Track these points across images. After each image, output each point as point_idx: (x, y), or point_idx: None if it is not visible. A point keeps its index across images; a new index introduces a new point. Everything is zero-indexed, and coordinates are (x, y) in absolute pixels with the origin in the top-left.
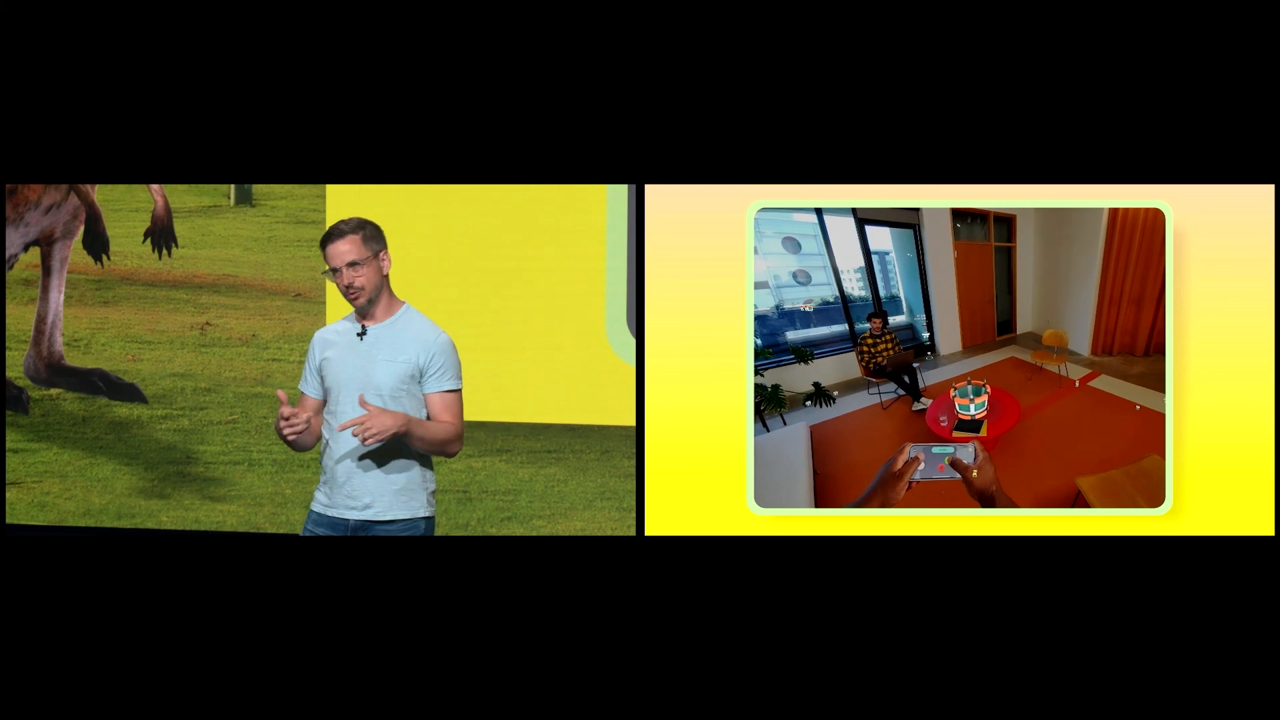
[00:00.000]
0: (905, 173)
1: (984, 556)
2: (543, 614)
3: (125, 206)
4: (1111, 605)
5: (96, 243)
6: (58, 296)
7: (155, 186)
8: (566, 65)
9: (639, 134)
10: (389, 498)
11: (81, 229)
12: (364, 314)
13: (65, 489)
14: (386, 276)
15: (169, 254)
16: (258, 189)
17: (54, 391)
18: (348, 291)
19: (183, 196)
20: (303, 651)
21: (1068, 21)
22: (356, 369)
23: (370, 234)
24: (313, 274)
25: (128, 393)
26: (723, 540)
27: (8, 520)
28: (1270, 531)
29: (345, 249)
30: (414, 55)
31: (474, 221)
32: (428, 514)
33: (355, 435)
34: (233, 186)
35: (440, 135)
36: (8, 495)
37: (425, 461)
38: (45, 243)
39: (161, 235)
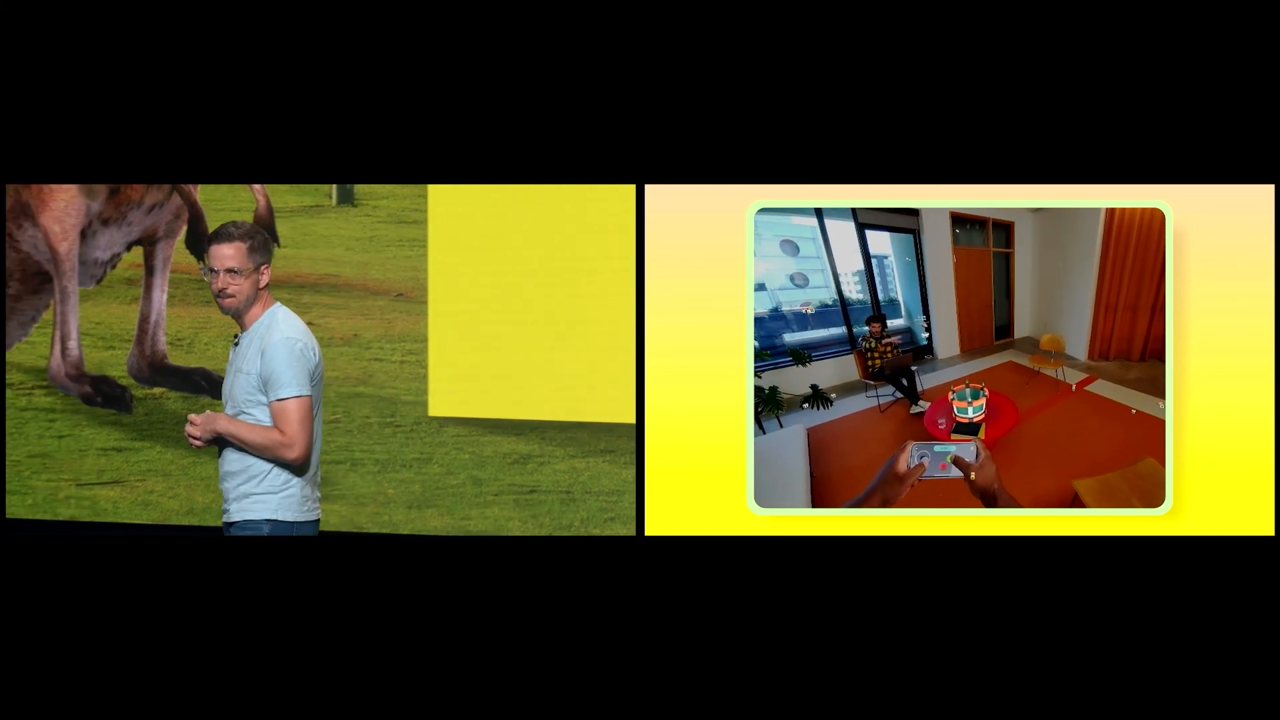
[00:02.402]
0: (905, 173)
1: (984, 556)
2: (543, 614)
3: (228, 206)
4: (1111, 605)
5: (199, 242)
6: (161, 296)
7: (257, 186)
8: (567, 66)
9: (639, 134)
10: (239, 502)
11: (184, 229)
12: (239, 321)
13: (169, 488)
14: (264, 289)
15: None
16: (360, 189)
17: (157, 390)
18: (218, 295)
19: (285, 196)
20: (302, 650)
21: (1067, 21)
22: (229, 379)
23: (257, 245)
24: (415, 274)
25: None
26: (723, 540)
27: (116, 520)
28: (1270, 531)
29: (229, 253)
30: (415, 55)
31: (569, 223)
32: (276, 517)
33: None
34: (335, 186)
35: (438, 136)
36: (112, 494)
37: (284, 467)
38: (148, 242)
39: None
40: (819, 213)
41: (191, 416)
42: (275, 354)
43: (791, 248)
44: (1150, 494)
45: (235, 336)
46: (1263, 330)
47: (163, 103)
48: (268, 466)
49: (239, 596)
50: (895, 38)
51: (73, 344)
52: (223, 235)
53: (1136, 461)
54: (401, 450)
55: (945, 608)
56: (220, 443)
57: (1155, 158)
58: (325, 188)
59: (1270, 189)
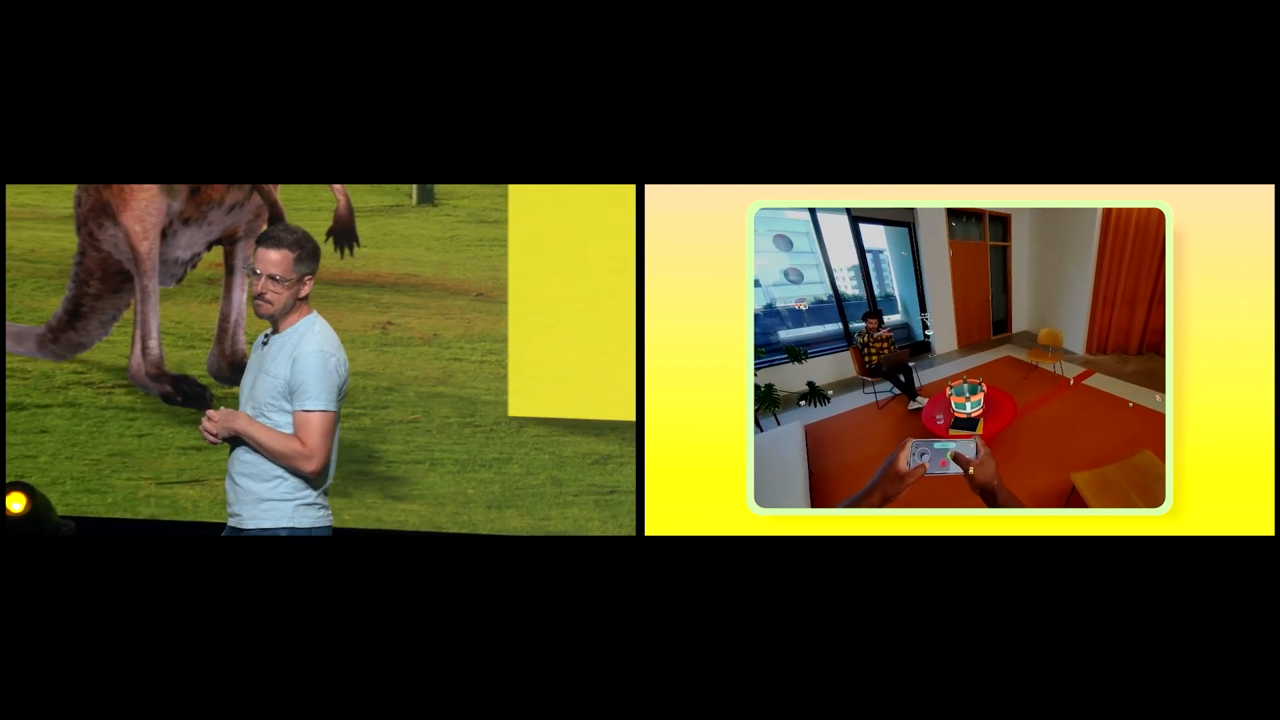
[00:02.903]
0: (905, 172)
1: (984, 556)
2: (543, 614)
3: (308, 206)
4: (1111, 605)
5: (346, 236)
6: (241, 295)
7: (338, 186)
8: (567, 66)
9: (639, 134)
10: (252, 508)
11: (264, 228)
12: (273, 325)
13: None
14: (304, 299)
15: (351, 253)
16: (440, 188)
17: (236, 389)
18: (257, 299)
19: (365, 196)
20: (303, 647)
21: (1066, 21)
22: (250, 377)
23: (305, 255)
24: (495, 274)
25: None
26: (723, 540)
27: (196, 519)
28: (1270, 531)
29: (275, 259)
30: (418, 55)
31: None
32: (293, 524)
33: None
34: (415, 186)
35: (436, 136)
36: (192, 493)
37: (298, 478)
38: (228, 241)
39: (344, 234)
40: (811, 208)
41: (210, 412)
42: (308, 364)
43: (785, 243)
44: (1148, 487)
45: (264, 336)
46: (1263, 331)
47: (245, 102)
48: (284, 473)
49: (231, 594)
50: (894, 37)
51: (153, 343)
52: (272, 240)
53: (1134, 454)
54: (481, 450)
55: (945, 608)
56: (234, 441)
57: (1155, 157)
58: (405, 187)
59: (1270, 189)
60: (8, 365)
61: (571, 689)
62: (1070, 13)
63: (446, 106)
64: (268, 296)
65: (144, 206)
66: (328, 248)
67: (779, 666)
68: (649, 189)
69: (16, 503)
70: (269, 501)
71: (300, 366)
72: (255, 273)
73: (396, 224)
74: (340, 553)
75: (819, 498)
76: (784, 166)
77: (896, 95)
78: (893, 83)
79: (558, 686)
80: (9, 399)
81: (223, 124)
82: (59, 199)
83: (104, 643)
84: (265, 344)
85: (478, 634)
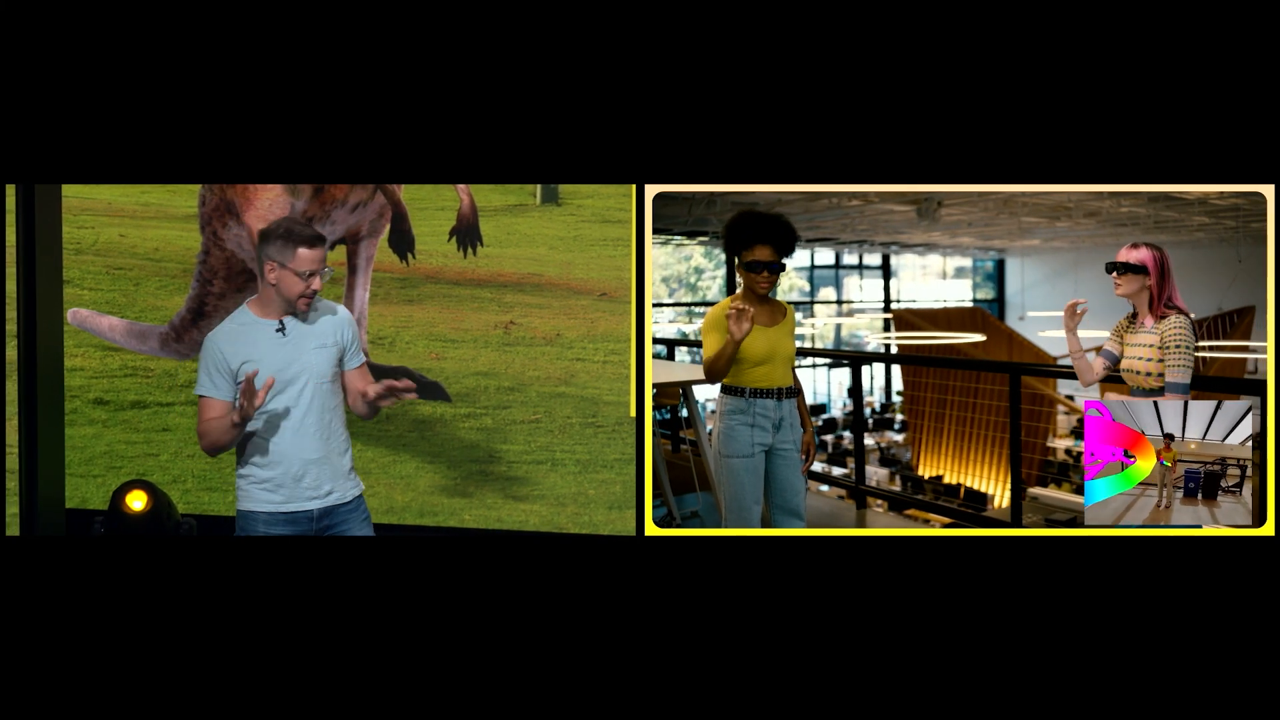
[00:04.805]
0: (902, 172)
1: (983, 556)
2: (543, 614)
3: (431, 205)
4: (1112, 605)
5: (402, 241)
6: (363, 294)
7: (462, 185)
8: (568, 67)
9: (639, 134)
10: (346, 481)
11: (387, 227)
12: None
13: (368, 486)
14: None
15: (474, 253)
16: (564, 188)
17: None
18: (305, 297)
19: (489, 195)
20: (302, 646)
21: (1067, 21)
22: (288, 361)
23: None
24: (620, 274)
25: (432, 391)
26: (723, 540)
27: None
28: (1270, 531)
29: (318, 257)
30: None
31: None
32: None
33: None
34: (539, 186)
35: (434, 136)
36: None
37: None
38: (351, 241)
39: (467, 234)
40: None
41: (391, 385)
42: (351, 323)
43: None
44: None
45: (281, 324)
46: None
47: (372, 103)
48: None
49: (243, 593)
50: (894, 38)
51: None
52: (309, 240)
53: None
54: (603, 451)
55: (945, 608)
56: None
57: (1156, 157)
58: (530, 187)
59: (1270, 189)
60: (131, 363)
61: (571, 689)
62: (1073, 13)
63: (574, 107)
64: (317, 289)
65: (268, 206)
66: (450, 247)
67: (779, 666)
68: (649, 189)
69: (138, 501)
70: (351, 470)
71: (348, 326)
72: (310, 274)
73: (520, 223)
74: (341, 553)
75: None
76: (781, 166)
77: (896, 95)
78: (892, 83)
79: (558, 686)
80: (132, 396)
81: (352, 124)
82: (183, 198)
83: (228, 638)
84: (282, 331)
85: (475, 634)
